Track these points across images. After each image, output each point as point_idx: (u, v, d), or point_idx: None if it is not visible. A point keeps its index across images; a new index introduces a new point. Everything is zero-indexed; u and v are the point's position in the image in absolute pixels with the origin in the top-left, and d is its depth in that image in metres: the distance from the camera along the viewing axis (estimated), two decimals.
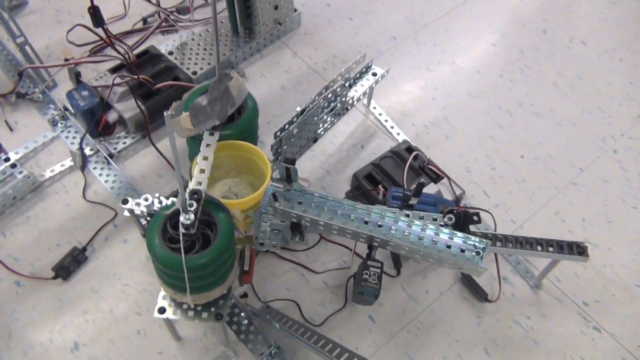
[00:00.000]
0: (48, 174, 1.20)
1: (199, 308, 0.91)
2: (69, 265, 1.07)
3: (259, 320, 1.02)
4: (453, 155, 1.29)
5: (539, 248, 0.97)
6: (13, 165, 1.18)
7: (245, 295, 1.06)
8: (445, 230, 0.87)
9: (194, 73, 1.31)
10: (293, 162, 0.85)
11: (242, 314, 1.02)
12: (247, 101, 1.02)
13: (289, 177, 0.87)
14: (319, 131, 1.18)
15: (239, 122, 1.00)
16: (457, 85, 1.42)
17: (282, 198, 0.89)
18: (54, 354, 1.00)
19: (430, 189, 1.13)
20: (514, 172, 1.27)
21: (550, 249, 0.97)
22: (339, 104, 1.18)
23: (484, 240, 0.86)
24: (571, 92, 1.41)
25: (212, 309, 0.91)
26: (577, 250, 0.97)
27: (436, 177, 1.16)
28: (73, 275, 1.08)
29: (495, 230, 1.15)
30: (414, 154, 1.17)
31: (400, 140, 1.27)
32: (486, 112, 1.37)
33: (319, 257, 1.12)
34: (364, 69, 1.23)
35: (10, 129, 1.27)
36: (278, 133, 1.05)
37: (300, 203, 0.89)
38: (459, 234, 0.86)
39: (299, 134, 1.10)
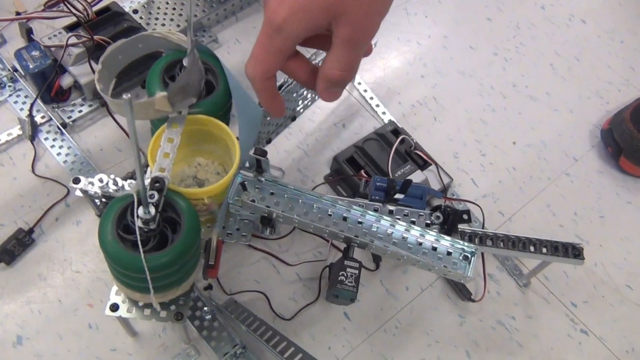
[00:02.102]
0: None
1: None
2: (13, 248, 0.95)
3: (223, 316, 0.93)
4: (441, 139, 1.19)
5: (532, 249, 0.90)
6: None
7: (209, 287, 0.97)
8: (432, 232, 0.78)
9: None
10: (264, 153, 0.75)
11: (206, 308, 0.93)
12: (221, 73, 0.83)
13: (259, 167, 0.77)
14: (297, 109, 1.08)
15: (213, 98, 0.82)
16: (448, 62, 1.31)
17: (252, 187, 0.79)
18: None
19: (416, 175, 1.04)
20: (505, 160, 1.19)
21: (544, 249, 0.90)
22: None
23: (472, 245, 0.78)
24: (568, 75, 1.32)
25: (172, 307, 0.81)
26: (573, 252, 0.90)
27: (423, 163, 1.07)
28: (17, 259, 0.96)
29: (483, 224, 1.07)
30: (400, 137, 1.07)
31: (385, 121, 1.17)
32: (478, 93, 1.27)
33: (293, 247, 1.03)
34: None
35: None
36: None
37: (272, 194, 0.79)
38: (447, 237, 0.78)
39: None
